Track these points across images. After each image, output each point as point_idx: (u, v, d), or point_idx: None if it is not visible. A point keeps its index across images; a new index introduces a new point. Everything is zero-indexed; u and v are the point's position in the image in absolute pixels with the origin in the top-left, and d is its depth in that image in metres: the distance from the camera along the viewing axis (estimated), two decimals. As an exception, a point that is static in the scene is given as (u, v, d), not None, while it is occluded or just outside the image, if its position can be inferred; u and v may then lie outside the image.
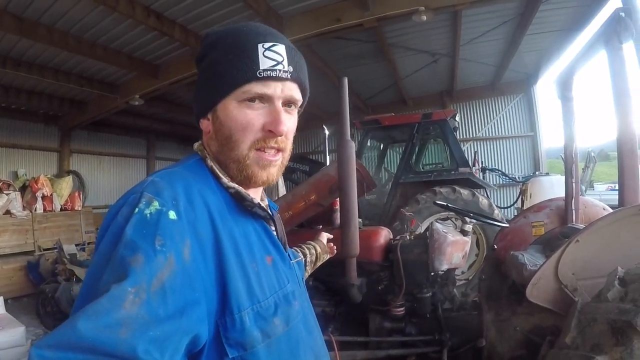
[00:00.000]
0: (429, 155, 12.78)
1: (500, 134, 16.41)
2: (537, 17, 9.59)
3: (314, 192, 4.45)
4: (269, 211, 1.41)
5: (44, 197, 11.41)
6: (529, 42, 11.47)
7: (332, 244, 2.75)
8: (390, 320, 4.01)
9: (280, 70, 1.24)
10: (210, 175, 1.30)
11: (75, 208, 12.36)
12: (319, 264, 2.57)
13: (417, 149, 9.84)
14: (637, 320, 1.92)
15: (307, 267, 2.42)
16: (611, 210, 3.68)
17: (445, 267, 3.90)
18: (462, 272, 7.89)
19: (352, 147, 3.39)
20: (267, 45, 1.25)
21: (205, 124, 1.33)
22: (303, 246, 2.49)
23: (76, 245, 10.38)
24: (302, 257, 2.14)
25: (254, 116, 1.25)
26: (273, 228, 1.41)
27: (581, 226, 3.84)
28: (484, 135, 16.56)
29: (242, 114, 1.25)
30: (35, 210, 11.10)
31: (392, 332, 4.01)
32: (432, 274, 3.94)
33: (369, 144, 10.69)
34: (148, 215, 1.02)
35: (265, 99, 1.25)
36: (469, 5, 8.11)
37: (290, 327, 1.25)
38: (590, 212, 4.43)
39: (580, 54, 3.81)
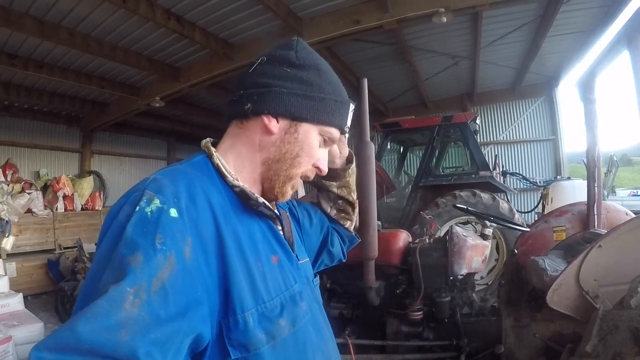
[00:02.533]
0: (449, 159, 12.70)
1: (521, 137, 16.25)
2: (558, 18, 9.48)
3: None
4: (276, 210, 1.40)
5: (65, 197, 11.56)
6: (550, 44, 11.34)
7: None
8: (407, 324, 3.98)
9: (348, 129, 1.47)
10: (215, 173, 1.29)
11: (96, 208, 12.51)
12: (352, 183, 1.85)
13: (437, 152, 9.75)
14: (661, 328, 1.88)
15: (334, 210, 1.87)
16: (634, 216, 3.63)
17: (464, 271, 3.86)
18: (482, 277, 7.81)
19: (372, 148, 3.36)
20: (352, 107, 1.45)
21: (273, 124, 1.31)
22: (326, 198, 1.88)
23: (96, 244, 10.41)
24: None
25: (319, 153, 1.41)
26: (280, 227, 1.41)
27: (603, 231, 3.78)
28: (505, 138, 16.42)
29: (316, 146, 1.38)
30: (57, 209, 11.24)
31: (410, 336, 3.98)
32: (451, 278, 3.90)
33: (388, 146, 10.63)
34: (149, 213, 1.01)
35: (328, 143, 1.44)
36: (489, 6, 8.04)
37: (297, 329, 1.24)
38: (612, 218, 4.38)
39: (602, 55, 3.77)
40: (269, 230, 1.35)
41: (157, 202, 1.03)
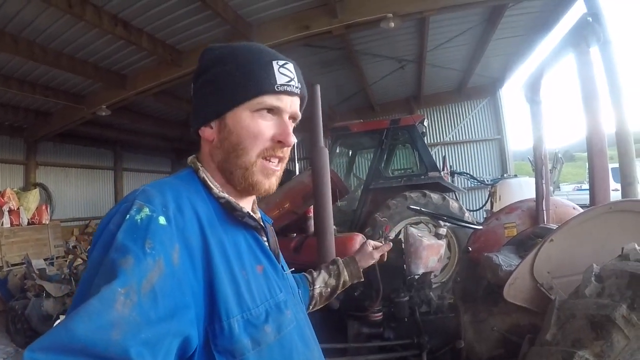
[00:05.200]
0: (398, 161, 12.83)
1: (467, 137, 16.62)
2: (503, 22, 9.77)
3: (287, 200, 4.45)
4: (261, 222, 1.42)
5: (10, 211, 11.29)
6: (495, 47, 11.67)
7: (378, 254, 2.37)
8: (368, 325, 4.00)
9: (292, 86, 1.35)
10: (201, 186, 1.32)
11: (43, 222, 12.25)
12: (339, 291, 2.14)
13: (386, 154, 9.81)
14: (615, 314, 1.97)
15: (311, 303, 2.03)
16: (581, 210, 3.76)
17: (421, 270, 3.91)
18: (435, 275, 7.92)
19: (326, 154, 3.39)
20: (280, 62, 1.35)
21: (208, 132, 1.35)
22: (319, 271, 2.12)
23: (45, 259, 10.20)
24: (308, 283, 2.03)
25: (265, 126, 1.33)
26: (265, 238, 1.43)
27: (553, 226, 3.91)
28: (452, 139, 16.75)
29: (255, 123, 1.32)
30: (2, 224, 10.98)
31: (371, 337, 4.00)
32: (409, 277, 3.95)
33: (338, 150, 10.67)
34: (139, 220, 1.05)
35: (275, 111, 1.35)
36: (436, 11, 8.21)
37: (282, 336, 1.26)
38: (560, 212, 4.51)
39: (548, 57, 3.89)
40: (254, 241, 1.37)
41: (146, 210, 1.07)
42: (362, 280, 2.25)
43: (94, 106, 11.56)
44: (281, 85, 1.32)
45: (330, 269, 2.12)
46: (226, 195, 1.32)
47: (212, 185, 1.32)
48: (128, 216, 1.05)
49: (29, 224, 11.86)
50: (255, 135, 1.32)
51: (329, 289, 2.07)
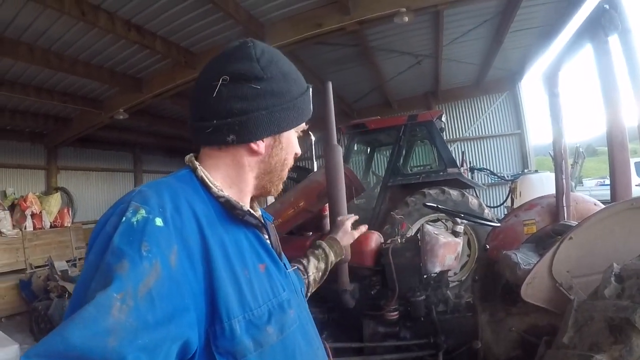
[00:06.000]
0: (416, 157, 12.77)
1: (487, 133, 16.48)
2: (519, 14, 9.64)
3: (302, 199, 4.42)
4: (262, 220, 1.40)
5: (33, 215, 11.44)
6: (512, 40, 11.53)
7: (357, 233, 2.46)
8: (384, 325, 3.97)
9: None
10: (199, 185, 1.29)
11: (65, 224, 12.40)
12: (327, 271, 2.22)
13: (404, 151, 9.77)
14: (635, 317, 1.89)
15: (308, 291, 2.06)
16: (603, 206, 3.67)
17: (437, 269, 3.86)
18: (455, 274, 7.85)
19: (340, 152, 3.36)
20: (310, 90, 1.45)
21: (260, 146, 1.34)
22: (308, 258, 2.15)
23: (67, 261, 10.47)
24: (302, 272, 2.06)
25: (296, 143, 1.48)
26: (266, 237, 1.42)
27: (573, 223, 3.81)
28: (471, 135, 16.62)
29: (296, 143, 1.47)
30: (25, 228, 11.12)
31: (387, 336, 3.97)
32: (425, 276, 3.90)
33: (355, 148, 10.64)
34: (135, 222, 1.03)
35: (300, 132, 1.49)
36: (450, 5, 8.14)
37: (285, 336, 1.24)
38: (581, 209, 4.42)
39: (566, 49, 3.81)
40: (256, 239, 1.35)
41: (142, 212, 1.05)
42: (346, 257, 2.38)
43: (111, 110, 11.67)
44: (311, 112, 1.45)
45: (317, 254, 2.18)
46: (226, 194, 1.28)
47: (210, 185, 1.29)
48: (124, 218, 1.03)
49: (51, 227, 11.99)
50: (295, 153, 1.46)
51: (319, 273, 2.14)
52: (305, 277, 2.03)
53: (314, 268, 2.10)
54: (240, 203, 1.30)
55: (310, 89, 1.44)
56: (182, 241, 1.08)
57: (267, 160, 1.36)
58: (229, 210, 1.28)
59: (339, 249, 2.27)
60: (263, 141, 1.33)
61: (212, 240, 1.15)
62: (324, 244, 2.22)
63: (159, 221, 1.05)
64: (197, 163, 1.33)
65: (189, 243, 1.09)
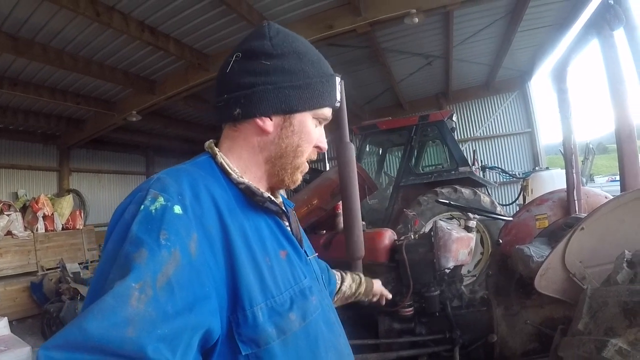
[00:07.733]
0: (428, 157, 12.79)
1: (498, 132, 16.41)
2: (528, 13, 9.60)
3: (316, 197, 4.45)
4: (282, 207, 1.40)
5: (45, 217, 11.37)
6: (521, 39, 11.50)
7: (381, 291, 2.53)
8: (399, 321, 3.99)
9: (339, 102, 1.44)
10: (219, 171, 1.29)
11: (77, 227, 12.32)
12: (351, 300, 2.30)
13: (416, 151, 9.82)
14: (649, 300, 1.93)
15: (336, 296, 2.16)
16: (613, 198, 3.69)
17: (451, 264, 3.88)
18: (469, 271, 7.87)
19: (352, 149, 3.40)
20: (338, 79, 1.42)
21: (267, 124, 1.32)
22: (349, 273, 2.30)
23: (79, 263, 10.37)
24: (338, 278, 2.17)
25: (317, 134, 1.42)
26: (287, 223, 1.41)
27: (585, 216, 3.85)
28: (482, 134, 16.56)
29: (313, 130, 1.40)
30: (37, 230, 11.04)
31: (402, 333, 3.99)
32: (439, 272, 3.92)
33: (367, 149, 10.66)
34: (153, 210, 1.02)
35: (322, 121, 1.44)
36: (460, 5, 8.13)
37: (307, 323, 1.23)
38: (592, 202, 4.43)
39: (573, 44, 3.84)
40: (276, 226, 1.35)
41: (161, 200, 1.05)
42: (366, 297, 2.40)
43: (124, 112, 11.69)
44: (337, 101, 1.41)
45: (354, 277, 2.28)
46: (246, 181, 1.28)
47: (230, 171, 1.28)
48: (142, 206, 1.03)
49: (63, 229, 11.93)
50: (311, 141, 1.40)
51: (349, 292, 2.22)
52: (339, 283, 2.13)
53: (349, 284, 2.21)
54: (261, 189, 1.30)
55: (338, 79, 1.41)
56: (202, 228, 1.08)
57: (277, 142, 1.33)
58: (249, 197, 1.28)
59: (369, 288, 2.36)
60: (271, 119, 1.31)
61: (232, 227, 1.15)
62: (362, 276, 2.34)
63: (177, 209, 1.04)
64: (216, 149, 1.34)
65: (209, 230, 1.09)
